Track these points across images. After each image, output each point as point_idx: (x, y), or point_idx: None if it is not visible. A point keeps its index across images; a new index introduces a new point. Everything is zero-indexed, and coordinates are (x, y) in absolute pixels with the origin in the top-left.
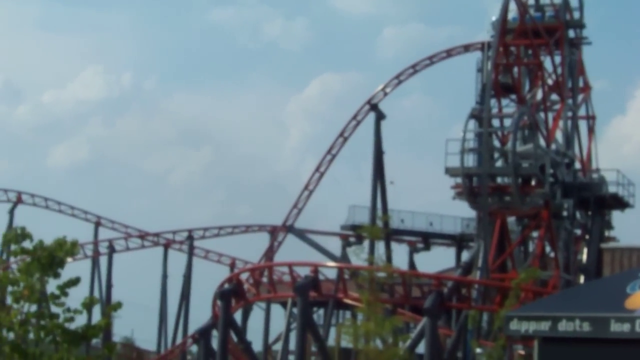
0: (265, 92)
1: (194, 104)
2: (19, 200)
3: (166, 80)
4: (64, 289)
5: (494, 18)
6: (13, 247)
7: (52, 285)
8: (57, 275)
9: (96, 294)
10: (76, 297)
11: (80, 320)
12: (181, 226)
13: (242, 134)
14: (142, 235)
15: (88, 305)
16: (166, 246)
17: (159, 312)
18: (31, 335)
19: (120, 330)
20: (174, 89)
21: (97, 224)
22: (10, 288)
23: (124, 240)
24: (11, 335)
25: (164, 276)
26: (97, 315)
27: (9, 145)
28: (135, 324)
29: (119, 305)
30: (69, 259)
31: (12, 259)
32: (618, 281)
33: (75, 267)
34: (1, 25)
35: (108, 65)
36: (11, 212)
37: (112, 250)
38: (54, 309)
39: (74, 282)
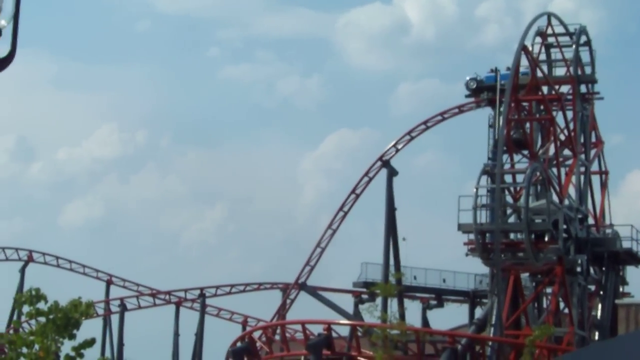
0: (280, 149)
1: (209, 161)
2: (30, 259)
3: (181, 137)
4: (79, 350)
5: (468, 77)
6: (27, 308)
7: (66, 347)
8: (72, 337)
9: (107, 353)
10: (87, 356)
11: None
12: (194, 284)
13: (257, 192)
14: (154, 294)
15: None
16: (178, 304)
17: None
18: None
19: None
20: (189, 146)
21: (109, 283)
22: (24, 350)
23: (136, 298)
24: None
25: (176, 334)
26: None
27: (23, 204)
28: None
29: None
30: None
31: (24, 319)
32: None
33: (87, 326)
34: (17, 84)
35: (123, 122)
36: (22, 271)
37: (123, 308)
38: None
39: (90, 343)
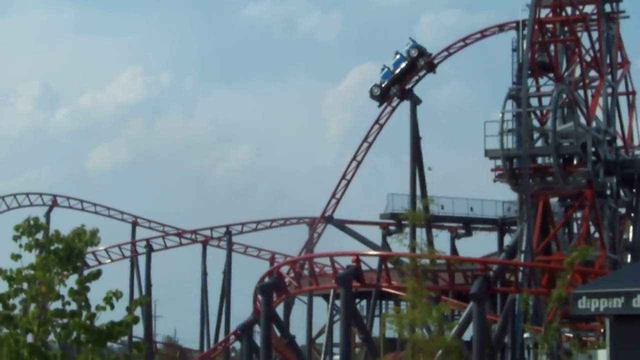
0: (303, 86)
1: (232, 101)
2: (54, 204)
3: (204, 78)
4: (84, 283)
5: (372, 85)
6: (25, 240)
7: (70, 280)
8: (76, 269)
9: (136, 294)
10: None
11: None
12: (220, 223)
13: (281, 129)
14: (180, 233)
15: (109, 300)
16: (204, 243)
17: (200, 310)
18: (51, 337)
19: (162, 330)
20: (212, 87)
21: (134, 224)
22: (25, 285)
23: (162, 238)
24: (29, 337)
25: (204, 273)
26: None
27: (49, 150)
28: (177, 323)
29: (144, 299)
30: (107, 260)
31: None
32: None
33: (114, 268)
34: (37, 31)
35: (146, 66)
36: (47, 216)
37: (150, 249)
38: (75, 306)
39: (96, 275)
